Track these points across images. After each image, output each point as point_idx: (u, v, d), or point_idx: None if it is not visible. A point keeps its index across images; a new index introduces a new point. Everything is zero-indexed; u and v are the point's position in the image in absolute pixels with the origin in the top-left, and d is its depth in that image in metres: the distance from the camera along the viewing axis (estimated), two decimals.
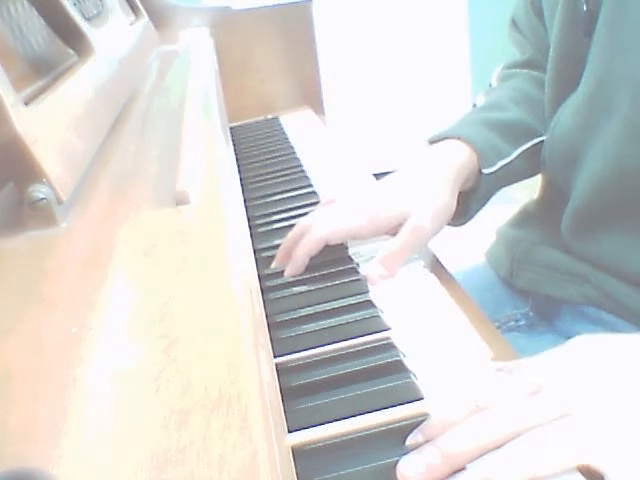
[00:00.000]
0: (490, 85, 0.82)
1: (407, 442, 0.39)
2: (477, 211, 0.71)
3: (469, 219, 0.71)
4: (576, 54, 0.64)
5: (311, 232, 0.60)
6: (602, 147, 0.61)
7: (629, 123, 0.58)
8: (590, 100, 0.62)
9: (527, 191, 0.83)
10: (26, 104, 0.43)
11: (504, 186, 0.72)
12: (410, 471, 0.36)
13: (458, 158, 0.65)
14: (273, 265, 0.63)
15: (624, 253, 0.63)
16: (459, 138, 0.67)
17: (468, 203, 0.69)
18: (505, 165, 0.68)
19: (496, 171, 0.67)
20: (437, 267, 0.62)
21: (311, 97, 1.28)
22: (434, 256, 0.65)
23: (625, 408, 0.37)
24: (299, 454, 0.39)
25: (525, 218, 0.80)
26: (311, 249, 0.60)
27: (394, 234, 0.60)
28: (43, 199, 0.40)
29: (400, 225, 0.60)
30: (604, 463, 0.35)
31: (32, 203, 0.40)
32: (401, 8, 2.60)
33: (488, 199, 0.71)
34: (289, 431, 0.41)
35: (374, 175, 0.83)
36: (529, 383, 0.39)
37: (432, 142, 0.69)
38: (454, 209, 0.63)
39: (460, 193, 0.65)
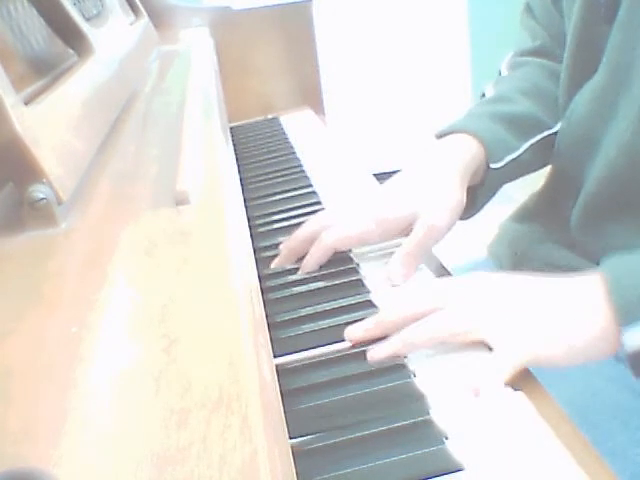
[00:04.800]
0: (500, 73, 0.80)
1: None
2: (484, 205, 0.71)
3: (475, 213, 0.71)
4: (595, 41, 0.63)
5: (319, 241, 0.59)
6: (617, 134, 0.61)
7: None
8: (607, 87, 0.62)
9: (528, 189, 0.83)
10: (26, 104, 0.43)
11: (512, 180, 0.71)
12: (353, 333, 0.50)
13: (466, 153, 0.65)
14: (273, 265, 0.62)
15: (630, 246, 0.63)
16: (466, 132, 0.66)
17: (475, 197, 0.68)
18: (513, 159, 0.68)
19: (504, 166, 0.67)
20: (441, 272, 0.62)
21: (311, 97, 1.28)
22: (436, 257, 0.64)
23: (512, 298, 0.51)
24: (299, 454, 0.39)
25: (528, 212, 0.79)
26: (319, 259, 0.59)
27: (406, 235, 0.59)
28: (43, 199, 0.40)
29: (410, 225, 0.59)
30: (489, 332, 0.47)
31: (32, 203, 0.40)
32: (401, 8, 2.60)
33: (495, 193, 0.71)
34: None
35: (374, 175, 0.83)
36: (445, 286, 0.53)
37: (439, 136, 0.68)
38: (464, 204, 0.63)
39: (467, 187, 0.65)
